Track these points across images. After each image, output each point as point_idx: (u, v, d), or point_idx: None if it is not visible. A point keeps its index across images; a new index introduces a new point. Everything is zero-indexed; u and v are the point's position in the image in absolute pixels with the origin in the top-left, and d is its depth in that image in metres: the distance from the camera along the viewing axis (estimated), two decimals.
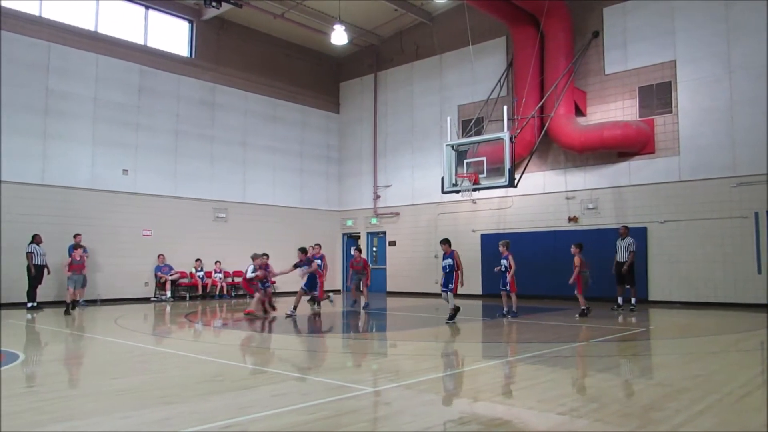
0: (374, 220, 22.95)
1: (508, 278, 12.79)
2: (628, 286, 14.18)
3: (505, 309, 12.88)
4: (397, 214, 22.26)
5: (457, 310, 11.78)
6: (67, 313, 13.53)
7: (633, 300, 14.17)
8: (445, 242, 12.18)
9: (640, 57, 16.83)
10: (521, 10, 17.60)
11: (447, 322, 11.52)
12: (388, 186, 22.68)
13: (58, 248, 15.80)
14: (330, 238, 23.52)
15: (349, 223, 23.86)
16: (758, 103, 14.81)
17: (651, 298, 16.04)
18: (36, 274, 14.82)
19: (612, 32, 17.44)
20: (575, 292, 12.86)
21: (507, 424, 4.63)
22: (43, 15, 16.70)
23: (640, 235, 15.80)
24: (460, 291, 12.20)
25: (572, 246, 13.14)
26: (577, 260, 12.79)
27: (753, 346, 9.01)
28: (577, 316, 12.58)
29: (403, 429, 4.41)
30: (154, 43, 19.13)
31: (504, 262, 12.87)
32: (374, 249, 23.43)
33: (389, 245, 22.47)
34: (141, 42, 18.81)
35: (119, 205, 17.68)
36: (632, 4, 17.09)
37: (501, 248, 12.99)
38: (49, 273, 15.32)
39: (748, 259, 14.73)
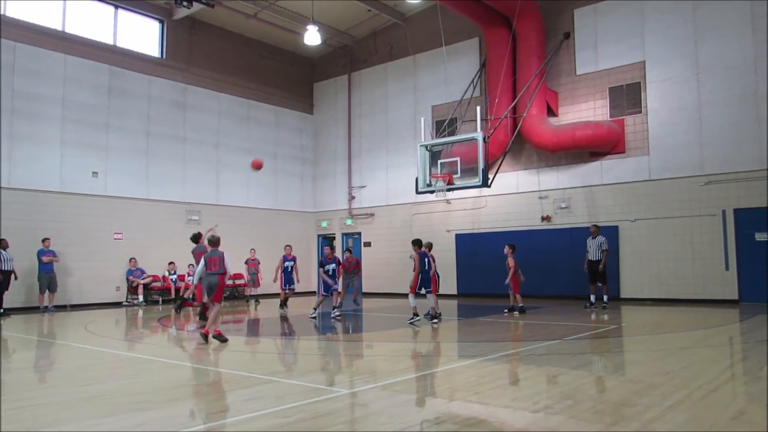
0: (349, 221, 22.91)
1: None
2: (600, 284, 14.38)
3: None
4: (372, 214, 22.26)
5: (431, 313, 11.86)
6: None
7: (605, 297, 14.36)
8: (415, 243, 12.01)
9: (611, 58, 17.08)
10: (494, 11, 17.73)
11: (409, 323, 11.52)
12: (363, 187, 22.66)
13: (25, 253, 15.47)
14: (305, 240, 23.42)
15: (324, 224, 23.79)
16: (725, 103, 15.15)
17: (623, 295, 16.29)
18: (3, 279, 14.48)
19: (583, 33, 17.67)
20: (509, 291, 13.44)
21: (483, 423, 4.67)
22: (8, 14, 16.30)
23: (611, 233, 16.02)
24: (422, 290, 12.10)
25: (506, 246, 13.62)
26: (510, 262, 13.30)
27: (721, 341, 9.21)
28: (506, 311, 13.31)
29: (380, 430, 4.41)
30: (123, 43, 18.81)
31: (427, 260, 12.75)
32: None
33: (364, 246, 22.45)
34: (110, 42, 18.49)
35: (89, 209, 17.35)
36: (603, 5, 17.34)
37: (424, 250, 12.45)
38: (16, 278, 15.00)
39: (717, 257, 15.06)
